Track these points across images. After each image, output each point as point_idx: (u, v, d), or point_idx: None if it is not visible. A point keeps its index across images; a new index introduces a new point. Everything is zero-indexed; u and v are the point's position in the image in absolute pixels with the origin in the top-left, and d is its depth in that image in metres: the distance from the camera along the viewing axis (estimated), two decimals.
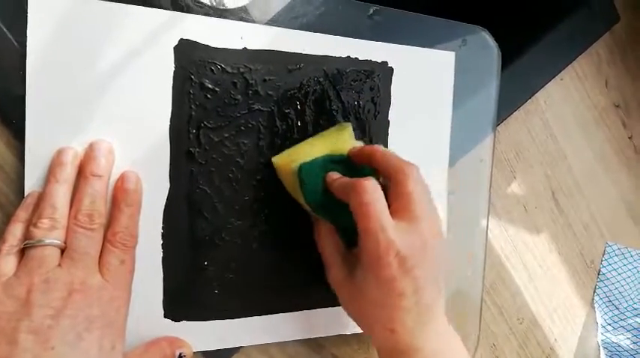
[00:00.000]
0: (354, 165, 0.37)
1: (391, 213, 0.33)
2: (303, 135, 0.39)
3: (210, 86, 0.36)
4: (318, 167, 0.36)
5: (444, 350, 0.35)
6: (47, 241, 0.29)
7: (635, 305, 0.66)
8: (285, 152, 0.38)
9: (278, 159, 0.38)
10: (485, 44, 0.48)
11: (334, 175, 0.36)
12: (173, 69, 0.35)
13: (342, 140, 0.38)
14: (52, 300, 0.28)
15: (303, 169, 0.36)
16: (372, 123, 0.42)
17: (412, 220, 0.33)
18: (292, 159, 0.37)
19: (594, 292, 0.66)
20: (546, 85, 0.56)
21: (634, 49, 0.65)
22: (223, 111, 0.36)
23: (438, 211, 0.37)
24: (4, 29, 0.31)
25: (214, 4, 0.36)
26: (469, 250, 0.49)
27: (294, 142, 0.39)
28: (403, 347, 0.34)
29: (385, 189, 0.34)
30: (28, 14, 0.31)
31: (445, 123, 0.46)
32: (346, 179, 0.35)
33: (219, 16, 0.36)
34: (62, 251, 0.30)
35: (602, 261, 0.66)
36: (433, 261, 0.34)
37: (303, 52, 0.39)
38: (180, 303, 0.36)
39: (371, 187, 0.33)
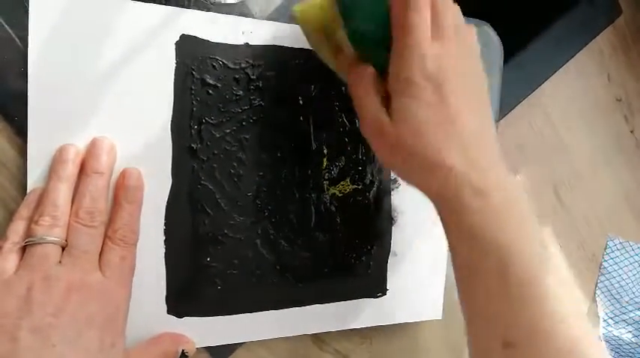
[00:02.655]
0: None
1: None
2: (305, 129, 0.39)
3: (211, 82, 0.36)
4: None
5: (510, 199, 0.31)
6: (48, 239, 0.29)
7: (636, 299, 0.66)
8: (306, 1, 0.35)
9: (300, 7, 0.35)
10: (488, 38, 0.48)
11: None
12: (174, 65, 0.35)
13: None
14: (53, 298, 0.28)
15: None
16: None
17: (443, 40, 0.31)
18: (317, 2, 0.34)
19: (596, 286, 0.66)
20: (548, 79, 0.56)
21: (636, 42, 0.65)
22: (225, 106, 0.36)
23: (478, 51, 0.35)
24: (6, 25, 0.31)
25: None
26: None
27: (296, 138, 0.39)
28: (462, 191, 0.30)
29: None
30: (29, 10, 0.31)
31: None
32: None
33: (221, 12, 0.36)
34: (63, 248, 0.30)
35: (603, 254, 0.66)
36: (471, 86, 0.32)
37: (305, 47, 0.39)
38: (183, 299, 0.36)
39: (421, 4, 0.31)
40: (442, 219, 0.33)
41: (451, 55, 0.31)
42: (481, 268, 0.30)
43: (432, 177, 0.31)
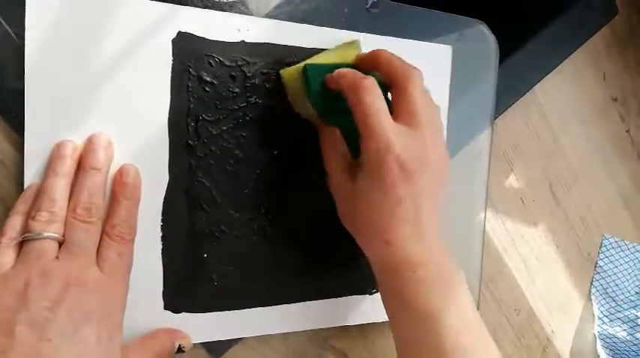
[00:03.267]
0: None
1: (394, 117, 0.33)
2: (302, 127, 0.39)
3: (208, 79, 0.36)
4: (324, 70, 0.36)
5: (441, 271, 0.34)
6: (45, 234, 0.30)
7: (631, 298, 0.67)
8: (293, 66, 0.37)
9: (285, 72, 0.37)
10: (483, 37, 0.48)
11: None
12: (171, 62, 0.35)
13: (351, 53, 0.38)
14: (50, 293, 0.28)
15: (309, 68, 0.36)
16: None
17: (413, 125, 0.33)
18: (299, 69, 0.37)
19: (591, 284, 0.66)
20: (544, 79, 0.56)
21: (632, 42, 0.65)
22: (222, 104, 0.37)
23: (443, 129, 0.36)
24: (3, 22, 0.31)
25: None
26: (467, 242, 0.50)
27: (292, 135, 0.39)
28: (396, 260, 0.33)
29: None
30: (26, 7, 0.31)
31: (442, 117, 0.46)
32: (346, 71, 0.34)
33: (217, 9, 0.36)
34: (60, 244, 0.30)
35: (599, 253, 0.66)
36: (434, 171, 0.34)
37: (301, 45, 0.39)
38: (180, 295, 0.36)
39: (370, 86, 0.32)
40: (381, 289, 0.36)
41: (415, 137, 0.33)
42: (412, 336, 0.34)
43: (375, 248, 0.35)
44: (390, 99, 0.35)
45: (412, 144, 0.32)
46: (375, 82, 0.33)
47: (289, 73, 0.37)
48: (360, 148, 0.33)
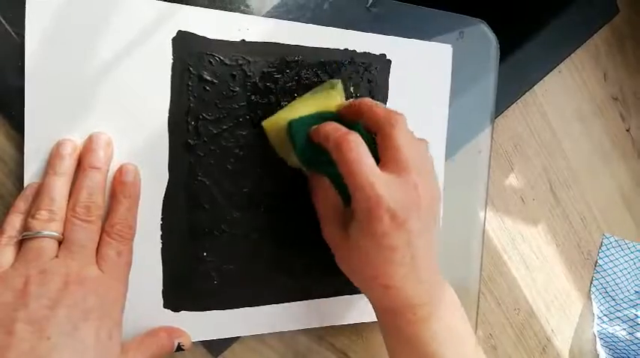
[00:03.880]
0: (344, 123, 0.36)
1: (381, 166, 0.33)
2: None
3: (208, 78, 0.36)
4: (307, 123, 0.36)
5: (440, 307, 0.35)
6: (45, 233, 0.30)
7: (631, 297, 0.67)
8: (274, 115, 0.38)
9: (267, 123, 0.37)
10: (484, 36, 0.48)
11: (316, 125, 0.36)
12: (171, 61, 0.35)
13: (332, 99, 0.38)
14: (49, 291, 0.29)
15: (293, 125, 0.36)
16: None
17: (402, 172, 0.33)
18: (282, 118, 0.37)
19: (591, 283, 0.66)
20: (544, 78, 0.56)
21: (633, 41, 0.65)
22: (222, 103, 0.37)
23: (432, 164, 0.36)
24: (3, 21, 0.31)
25: None
26: (466, 241, 0.50)
27: None
28: (397, 304, 0.34)
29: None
30: (26, 6, 0.31)
31: (443, 116, 0.46)
32: (329, 127, 0.34)
33: (218, 8, 0.36)
34: (60, 243, 0.30)
35: (599, 252, 0.66)
36: (426, 213, 0.34)
37: (301, 44, 0.39)
38: (180, 293, 0.36)
39: (354, 142, 0.32)
40: (382, 328, 0.37)
41: (404, 184, 0.33)
42: None
43: (375, 292, 0.36)
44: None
45: (401, 193, 0.33)
46: (359, 137, 0.33)
47: (271, 123, 0.37)
48: (349, 196, 0.34)
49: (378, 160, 0.34)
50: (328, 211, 0.38)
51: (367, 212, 0.32)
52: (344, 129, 0.34)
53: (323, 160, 0.35)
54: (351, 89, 0.41)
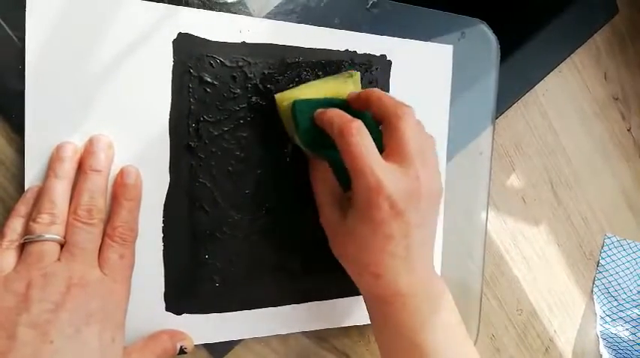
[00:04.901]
0: (352, 111, 0.36)
1: (385, 156, 0.33)
2: None
3: (209, 80, 0.36)
4: (314, 106, 0.36)
5: (430, 297, 0.35)
6: (47, 236, 0.30)
7: (633, 297, 0.67)
8: (288, 90, 0.37)
9: (280, 96, 0.37)
10: (484, 37, 0.48)
11: (322, 109, 0.36)
12: (172, 63, 0.35)
13: (347, 87, 0.38)
14: (51, 295, 0.28)
15: (297, 105, 0.35)
16: None
17: (404, 162, 0.33)
18: (293, 96, 0.37)
19: (593, 283, 0.66)
20: (545, 78, 0.56)
21: (633, 41, 0.65)
22: (222, 105, 0.37)
23: (437, 160, 0.36)
24: (3, 24, 0.31)
25: None
26: (468, 242, 0.50)
27: None
28: (387, 293, 0.34)
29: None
30: (27, 9, 0.31)
31: (443, 116, 0.46)
32: (333, 113, 0.34)
33: (218, 10, 0.36)
34: (62, 246, 0.30)
35: (600, 252, 0.66)
36: (426, 206, 0.34)
37: (302, 46, 0.39)
38: (182, 296, 0.36)
39: (357, 129, 0.32)
40: (372, 319, 0.38)
41: (406, 174, 0.33)
42: None
43: (366, 281, 0.35)
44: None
45: (403, 183, 0.33)
46: (362, 125, 0.33)
47: (283, 98, 0.37)
48: (349, 182, 0.34)
49: (382, 151, 0.34)
50: (327, 195, 0.38)
51: (367, 198, 0.32)
52: (348, 116, 0.34)
53: (325, 144, 0.35)
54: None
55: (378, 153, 0.33)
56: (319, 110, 0.35)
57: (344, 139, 0.32)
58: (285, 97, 0.37)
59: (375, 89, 0.36)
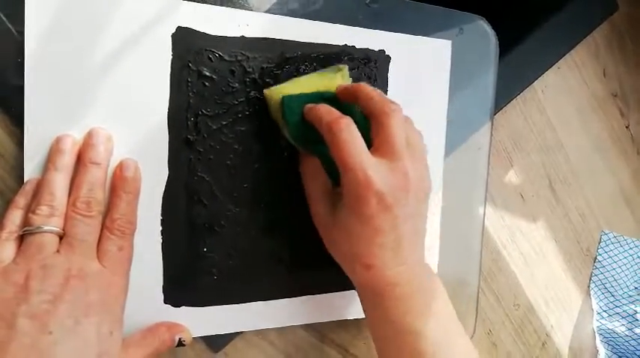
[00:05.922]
0: (341, 105, 0.36)
1: (373, 151, 0.34)
2: None
3: (207, 74, 0.36)
4: (303, 101, 0.36)
5: (421, 288, 0.35)
6: (46, 228, 0.30)
7: (630, 293, 0.67)
8: (277, 86, 0.37)
9: (269, 92, 0.37)
10: (483, 33, 0.48)
11: (311, 104, 0.36)
12: (171, 57, 0.35)
13: (335, 81, 0.38)
14: (50, 286, 0.29)
15: (286, 101, 0.36)
16: None
17: (392, 157, 0.34)
18: (282, 92, 0.37)
19: (590, 279, 0.66)
20: (544, 74, 0.56)
21: (632, 38, 0.65)
22: (221, 99, 0.37)
23: (425, 155, 0.37)
24: (3, 18, 0.31)
25: None
26: (466, 237, 0.50)
27: None
28: (378, 282, 0.35)
29: None
30: (26, 2, 0.31)
31: (442, 112, 0.46)
32: (322, 109, 0.35)
33: (217, 4, 0.36)
34: (61, 238, 0.30)
35: (598, 248, 0.66)
36: (414, 199, 0.34)
37: (300, 40, 0.39)
38: (180, 289, 0.37)
39: (345, 124, 0.33)
40: (365, 309, 0.38)
41: (394, 169, 0.33)
42: (394, 351, 0.36)
43: (357, 273, 0.36)
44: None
45: (391, 178, 0.33)
46: (351, 121, 0.33)
47: (272, 93, 0.37)
48: (339, 177, 0.34)
49: (370, 146, 0.34)
50: (317, 191, 0.38)
51: (356, 193, 0.33)
52: (337, 112, 0.34)
53: (314, 139, 0.35)
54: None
55: (366, 148, 0.33)
56: (308, 105, 0.36)
57: (333, 135, 0.33)
58: (275, 93, 0.37)
59: (364, 85, 0.36)
